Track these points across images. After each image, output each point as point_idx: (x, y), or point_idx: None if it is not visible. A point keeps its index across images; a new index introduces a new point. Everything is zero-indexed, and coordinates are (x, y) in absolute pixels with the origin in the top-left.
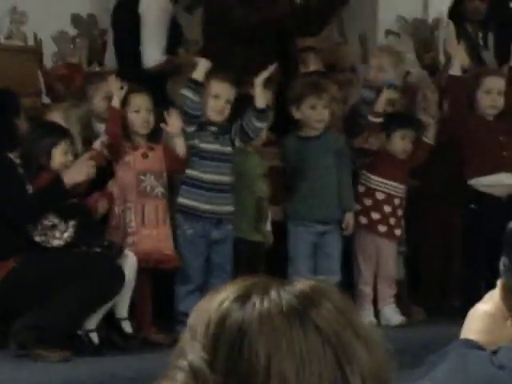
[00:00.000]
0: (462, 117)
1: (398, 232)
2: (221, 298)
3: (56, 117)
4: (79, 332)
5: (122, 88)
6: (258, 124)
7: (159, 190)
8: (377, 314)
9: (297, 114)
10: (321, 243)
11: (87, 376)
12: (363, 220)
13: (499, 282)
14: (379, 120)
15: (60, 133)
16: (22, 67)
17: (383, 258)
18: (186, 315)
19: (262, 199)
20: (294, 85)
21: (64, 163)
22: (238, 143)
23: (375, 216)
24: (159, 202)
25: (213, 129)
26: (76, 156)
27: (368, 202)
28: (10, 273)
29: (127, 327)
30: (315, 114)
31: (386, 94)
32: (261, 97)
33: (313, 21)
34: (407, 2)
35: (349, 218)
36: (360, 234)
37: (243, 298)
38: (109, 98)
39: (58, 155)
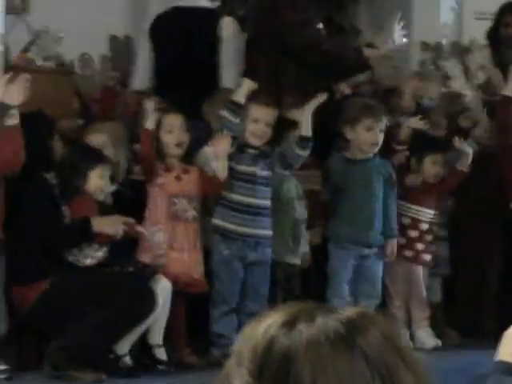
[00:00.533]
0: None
1: (426, 257)
2: (267, 324)
3: (96, 138)
4: (111, 356)
5: (159, 109)
6: (301, 152)
7: (191, 213)
8: (411, 336)
9: (350, 135)
10: (362, 266)
11: None
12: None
13: None
14: (402, 147)
15: (97, 156)
16: (57, 89)
17: (413, 282)
18: (221, 337)
19: (299, 222)
20: (350, 104)
21: (99, 187)
22: (277, 169)
23: (401, 241)
24: (190, 226)
25: (252, 152)
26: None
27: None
28: (43, 294)
29: (161, 355)
30: (371, 136)
31: (411, 123)
32: (307, 125)
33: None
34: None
35: (393, 244)
36: (388, 261)
37: (290, 325)
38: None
39: (94, 179)
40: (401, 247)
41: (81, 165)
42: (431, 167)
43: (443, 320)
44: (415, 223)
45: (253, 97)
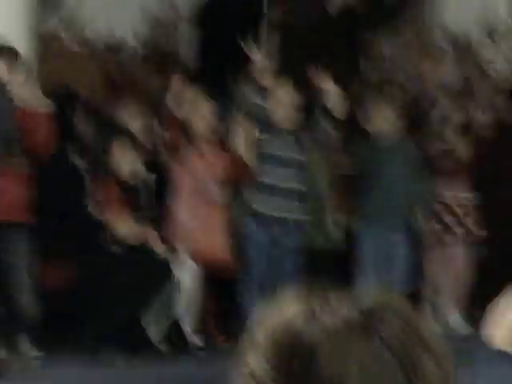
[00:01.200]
0: None
1: (467, 239)
2: (287, 316)
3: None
4: (148, 340)
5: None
6: (331, 130)
7: (219, 195)
8: (444, 322)
9: (369, 125)
10: (391, 251)
11: (154, 381)
12: (429, 231)
13: None
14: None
15: (128, 140)
16: (88, 72)
17: (453, 267)
18: (252, 322)
19: (329, 207)
20: (358, 93)
21: (130, 171)
22: (312, 148)
23: (439, 227)
24: (218, 208)
25: (284, 135)
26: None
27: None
28: (73, 278)
29: (195, 340)
30: (388, 123)
31: None
32: (336, 103)
33: None
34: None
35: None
36: (428, 245)
37: (310, 316)
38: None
39: (124, 163)
40: (440, 232)
41: (112, 150)
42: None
43: (477, 305)
44: (450, 208)
45: (280, 81)
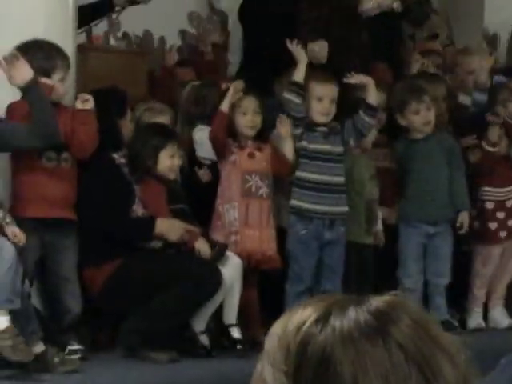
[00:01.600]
0: None
1: None
2: (298, 322)
3: (160, 120)
4: (189, 334)
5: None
6: (370, 120)
7: (264, 190)
8: (485, 316)
9: (402, 121)
10: (431, 244)
11: (196, 377)
12: (481, 232)
13: None
14: (496, 149)
15: (166, 135)
16: (129, 69)
17: (504, 261)
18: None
19: (372, 201)
20: (394, 91)
21: (170, 166)
22: (352, 142)
23: (492, 225)
24: (263, 203)
25: (322, 129)
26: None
27: (480, 212)
28: (112, 276)
29: (236, 333)
30: (420, 118)
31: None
32: (373, 93)
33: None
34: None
35: (463, 217)
36: (480, 246)
37: (322, 321)
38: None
39: (165, 159)
40: (495, 231)
41: (151, 144)
42: (501, 142)
43: None
44: (500, 205)
45: (313, 75)
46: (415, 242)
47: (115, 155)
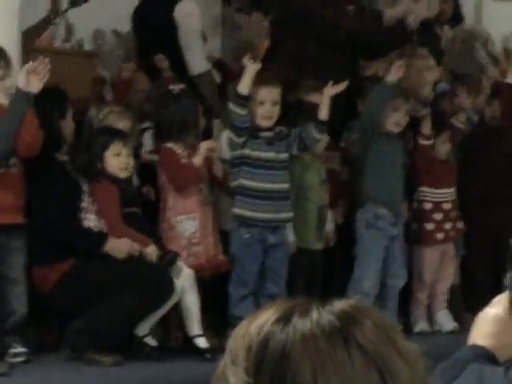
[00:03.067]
0: None
1: (453, 234)
2: (261, 321)
3: (122, 123)
4: (135, 339)
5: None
6: (317, 135)
7: (209, 195)
8: (430, 319)
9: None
10: (392, 247)
11: (140, 380)
12: (417, 233)
13: (505, 297)
14: (429, 143)
15: (110, 135)
16: (76, 71)
17: (444, 264)
18: (240, 319)
19: (322, 207)
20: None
21: (117, 165)
22: (295, 151)
23: (429, 226)
24: (211, 208)
25: (266, 134)
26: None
27: (417, 213)
28: (63, 276)
29: (202, 343)
30: (396, 116)
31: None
32: (326, 109)
33: (392, 42)
34: None
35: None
36: (418, 246)
37: (284, 321)
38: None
39: (110, 158)
40: (431, 232)
41: (95, 147)
42: (443, 146)
43: (461, 303)
44: (438, 206)
45: (256, 79)
46: (379, 245)
47: (57, 154)
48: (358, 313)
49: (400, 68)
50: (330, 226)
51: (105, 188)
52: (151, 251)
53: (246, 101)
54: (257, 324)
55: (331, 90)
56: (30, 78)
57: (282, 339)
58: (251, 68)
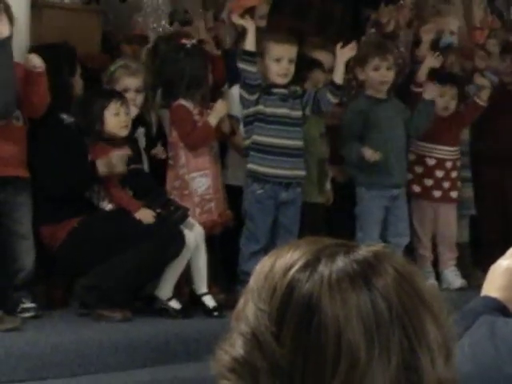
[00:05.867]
0: None
1: (454, 194)
2: (287, 264)
3: (133, 82)
4: (158, 303)
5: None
6: (332, 99)
7: (218, 153)
8: (438, 276)
9: (361, 75)
10: (393, 206)
11: (149, 336)
12: (416, 188)
13: None
14: (420, 90)
15: (107, 95)
16: (83, 27)
17: (442, 222)
18: (250, 275)
19: (322, 160)
20: (360, 45)
21: (117, 124)
22: (308, 112)
23: (428, 182)
24: (219, 165)
25: (280, 91)
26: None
27: (419, 169)
28: (71, 233)
29: (209, 302)
30: (378, 75)
31: (428, 62)
32: (340, 72)
33: None
34: None
35: None
36: (415, 202)
37: (311, 267)
38: None
39: (109, 118)
40: (429, 188)
41: (94, 109)
42: (439, 100)
43: (470, 260)
44: (440, 163)
45: (271, 36)
46: (379, 205)
47: (64, 116)
48: (381, 261)
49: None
50: (328, 185)
51: (100, 150)
52: (142, 215)
53: (253, 57)
54: (282, 266)
55: (345, 53)
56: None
57: (309, 289)
58: (250, 25)
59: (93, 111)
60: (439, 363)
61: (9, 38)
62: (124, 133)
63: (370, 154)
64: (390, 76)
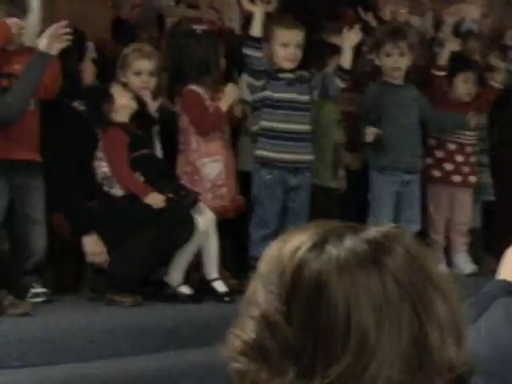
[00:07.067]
0: None
1: (472, 179)
2: (295, 246)
3: (145, 65)
4: (169, 289)
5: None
6: (340, 84)
7: (230, 138)
8: (449, 262)
9: (377, 61)
10: (405, 192)
11: (160, 321)
12: (437, 173)
13: None
14: (442, 73)
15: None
16: (94, 10)
17: (458, 207)
18: (259, 261)
19: (338, 145)
20: (376, 30)
21: (125, 106)
22: (315, 96)
23: (449, 167)
24: (231, 149)
25: (287, 76)
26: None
27: (440, 153)
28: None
29: (220, 287)
30: (390, 61)
31: (450, 46)
32: (348, 57)
33: None
34: None
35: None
36: (433, 187)
37: (319, 247)
38: None
39: (117, 96)
40: (449, 173)
41: (98, 98)
42: (462, 85)
43: (482, 246)
44: (461, 148)
45: (277, 21)
46: (390, 190)
47: (76, 104)
48: (391, 241)
49: None
50: (342, 171)
51: (110, 136)
52: (152, 200)
53: (259, 43)
54: (290, 249)
55: (351, 38)
56: (51, 42)
57: (317, 267)
58: (259, 10)
59: (97, 100)
60: (449, 342)
61: (50, 54)
62: (125, 116)
63: (369, 132)
64: (402, 62)
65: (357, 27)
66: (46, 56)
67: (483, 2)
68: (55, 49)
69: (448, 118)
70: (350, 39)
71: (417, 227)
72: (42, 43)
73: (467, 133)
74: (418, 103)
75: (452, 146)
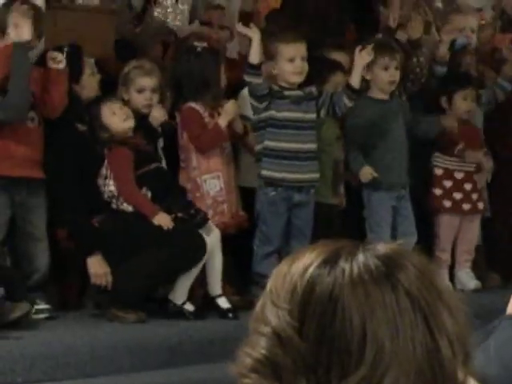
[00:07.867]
0: None
1: (481, 205)
2: (305, 263)
3: (148, 82)
4: (173, 307)
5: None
6: (348, 103)
7: (231, 154)
8: (452, 277)
9: (368, 75)
10: (400, 206)
11: (163, 337)
12: (447, 203)
13: None
14: (445, 69)
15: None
16: (98, 28)
17: (466, 230)
18: (263, 277)
19: (338, 162)
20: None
21: (118, 124)
22: (322, 114)
23: (458, 196)
24: (232, 165)
25: (293, 94)
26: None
27: (448, 183)
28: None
29: (224, 303)
30: (387, 75)
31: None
32: (358, 76)
33: None
34: None
35: None
36: (443, 216)
37: (330, 263)
38: None
39: (109, 120)
40: (459, 202)
41: (96, 119)
42: (462, 103)
43: (484, 262)
44: (468, 175)
45: (280, 37)
46: (387, 205)
47: (78, 125)
48: (402, 257)
49: None
50: (341, 188)
51: (116, 153)
52: (160, 221)
53: (257, 70)
54: (300, 266)
55: (363, 57)
56: (17, 28)
57: (330, 283)
58: (255, 35)
59: (96, 120)
60: (459, 358)
61: (28, 43)
62: (128, 125)
63: (366, 172)
64: (397, 76)
65: (369, 47)
66: (20, 44)
67: (481, 13)
68: (25, 32)
69: (423, 122)
70: (362, 58)
71: (414, 238)
72: (12, 35)
73: (452, 158)
74: (406, 117)
75: (459, 175)
